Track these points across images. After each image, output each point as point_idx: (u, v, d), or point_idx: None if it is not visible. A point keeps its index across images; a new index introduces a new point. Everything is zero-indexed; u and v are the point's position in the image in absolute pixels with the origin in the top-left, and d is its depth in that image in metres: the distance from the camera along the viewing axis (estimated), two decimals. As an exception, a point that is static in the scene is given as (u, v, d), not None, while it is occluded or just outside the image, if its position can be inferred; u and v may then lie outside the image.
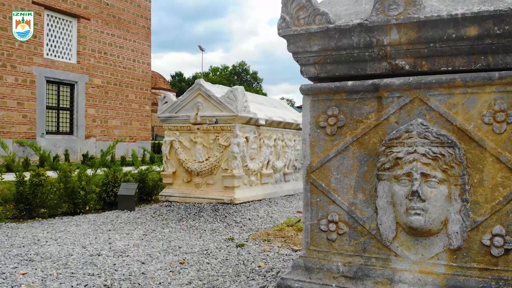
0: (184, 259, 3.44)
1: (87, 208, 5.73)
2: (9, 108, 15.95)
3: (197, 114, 5.45)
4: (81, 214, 5.59)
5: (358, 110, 2.01)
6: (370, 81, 1.97)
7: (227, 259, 3.45)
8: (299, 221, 4.69)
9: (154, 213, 5.38)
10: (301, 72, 2.12)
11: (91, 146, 18.73)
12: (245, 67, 65.60)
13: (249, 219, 4.97)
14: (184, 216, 5.14)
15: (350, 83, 1.99)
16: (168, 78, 58.52)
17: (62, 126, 18.02)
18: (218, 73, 62.18)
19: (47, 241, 4.05)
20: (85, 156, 15.59)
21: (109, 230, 4.57)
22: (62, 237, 4.22)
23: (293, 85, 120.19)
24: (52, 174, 6.03)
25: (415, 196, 1.78)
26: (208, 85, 5.48)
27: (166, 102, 5.72)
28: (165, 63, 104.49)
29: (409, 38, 1.87)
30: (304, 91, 2.08)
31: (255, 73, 64.51)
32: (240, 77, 62.27)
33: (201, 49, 48.41)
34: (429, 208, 1.79)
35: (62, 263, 3.34)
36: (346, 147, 2.01)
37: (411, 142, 1.82)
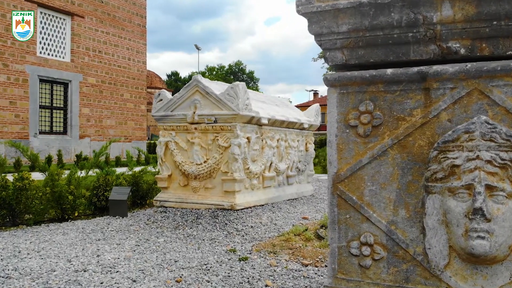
0: (180, 276, 3.04)
1: (76, 214, 5.31)
2: (1, 108, 15.48)
3: (194, 112, 5.04)
4: (69, 220, 5.17)
5: (399, 105, 1.61)
6: (415, 69, 1.58)
7: (229, 276, 3.05)
8: (306, 229, 4.29)
9: (148, 219, 4.97)
10: (325, 59, 1.72)
11: (86, 146, 18.28)
12: (242, 66, 65.23)
13: (252, 226, 4.56)
14: (180, 223, 4.73)
15: (389, 71, 1.60)
16: (164, 77, 57.99)
17: (56, 126, 17.56)
18: (214, 72, 61.72)
19: (28, 253, 3.63)
20: (78, 156, 15.13)
21: (99, 240, 4.16)
22: (46, 248, 3.80)
23: (289, 85, 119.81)
24: (41, 177, 5.60)
25: (478, 214, 1.39)
26: (206, 81, 5.06)
27: (161, 99, 5.30)
28: (161, 63, 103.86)
29: (466, 15, 1.47)
30: (330, 81, 1.68)
31: (251, 72, 64.10)
32: (237, 76, 61.85)
33: (197, 48, 47.99)
34: (496, 229, 1.40)
35: (42, 281, 2.93)
36: (384, 151, 1.61)
37: (473, 146, 1.43)
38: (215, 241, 4.08)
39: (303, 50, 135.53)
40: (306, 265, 3.24)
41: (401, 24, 1.56)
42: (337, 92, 1.67)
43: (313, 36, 1.72)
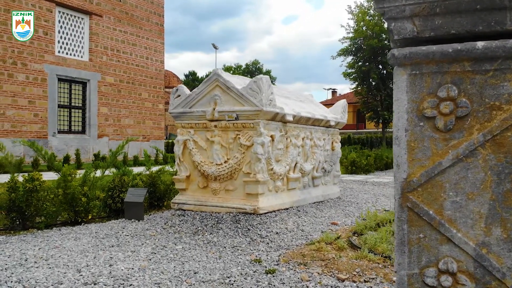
0: (201, 292, 2.69)
1: (90, 217, 5.03)
2: (20, 107, 15.51)
3: (214, 109, 4.69)
4: (82, 223, 4.90)
5: (493, 89, 1.21)
6: (517, 40, 1.17)
7: (256, 293, 2.68)
8: (338, 237, 3.89)
9: (165, 223, 4.64)
10: (390, 31, 1.33)
11: (104, 146, 18.23)
12: (259, 65, 64.84)
13: (277, 233, 4.18)
14: (199, 228, 4.38)
15: (480, 44, 1.20)
16: (182, 77, 58.14)
17: (74, 125, 17.55)
18: (231, 72, 61.49)
19: (36, 262, 3.34)
20: (96, 156, 15.04)
21: (112, 246, 3.85)
22: (55, 256, 3.51)
23: (307, 83, 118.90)
24: (57, 177, 5.34)
25: None
26: (227, 75, 4.70)
27: (179, 95, 4.96)
28: (179, 63, 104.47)
29: None
30: (398, 59, 1.29)
31: (268, 72, 63.61)
32: (254, 76, 61.45)
33: (215, 47, 47.87)
34: None
35: (47, 296, 2.63)
36: (472, 150, 1.22)
37: None
38: (238, 249, 3.72)
39: (321, 48, 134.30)
40: (343, 280, 2.85)
41: (497, -20, 1.16)
42: (408, 74, 1.28)
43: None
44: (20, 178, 4.65)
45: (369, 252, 3.39)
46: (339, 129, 6.41)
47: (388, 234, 3.83)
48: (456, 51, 1.23)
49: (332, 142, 6.19)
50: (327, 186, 6.13)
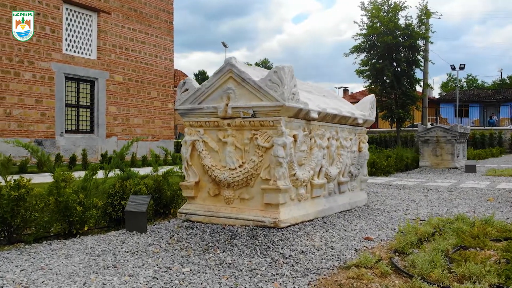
0: None
1: (86, 228, 4.43)
2: (26, 106, 15.09)
3: (227, 104, 4.04)
4: (77, 236, 4.30)
5: None
6: None
7: None
8: (380, 260, 3.20)
9: (170, 237, 4.01)
10: None
11: (112, 145, 17.75)
12: (268, 64, 64.19)
13: (303, 251, 3.51)
14: (210, 244, 3.73)
15: None
16: (192, 77, 57.80)
17: (82, 125, 17.10)
18: (242, 71, 60.83)
19: (12, 290, 2.73)
20: (104, 156, 14.53)
21: (107, 268, 3.22)
22: (37, 282, 2.90)
23: (318, 82, 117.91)
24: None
25: None
26: (242, 66, 4.04)
27: (187, 89, 4.32)
28: (190, 63, 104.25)
29: None
30: None
31: (279, 70, 62.75)
32: (264, 75, 60.95)
33: (225, 46, 47.39)
34: None
35: None
36: None
37: None
38: (257, 273, 3.07)
39: (331, 47, 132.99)
40: (398, 325, 2.17)
41: None
42: None
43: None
44: (25, 178, 4.04)
45: (422, 281, 2.71)
46: (367, 128, 5.71)
47: (440, 254, 3.14)
48: None
49: (359, 143, 5.49)
50: (354, 193, 5.44)
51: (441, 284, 2.69)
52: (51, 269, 3.18)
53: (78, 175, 5.18)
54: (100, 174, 5.18)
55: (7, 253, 3.63)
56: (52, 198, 4.19)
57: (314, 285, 2.79)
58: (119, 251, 3.68)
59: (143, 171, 6.04)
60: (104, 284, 2.87)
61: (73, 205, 4.23)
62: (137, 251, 3.67)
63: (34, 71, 15.47)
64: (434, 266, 2.92)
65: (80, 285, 2.84)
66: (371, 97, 5.61)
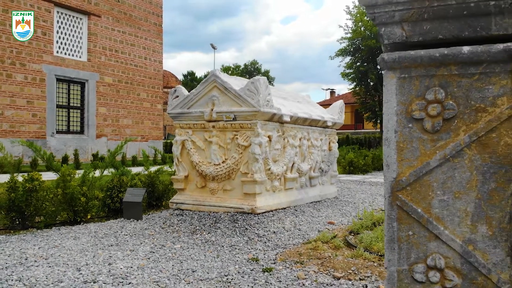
0: (199, 290, 2.74)
1: (89, 217, 5.08)
2: (18, 107, 15.53)
3: (212, 109, 4.74)
4: (81, 223, 4.94)
5: (478, 92, 1.26)
6: (501, 46, 1.22)
7: (253, 290, 2.73)
8: (334, 236, 3.94)
9: (163, 223, 4.69)
10: (380, 36, 1.38)
11: (102, 146, 18.25)
12: (257, 66, 64.92)
13: (274, 232, 4.23)
14: (198, 227, 4.43)
15: (466, 49, 1.25)
16: (181, 77, 58.15)
17: (73, 125, 17.57)
18: (229, 72, 61.52)
19: (36, 261, 3.38)
20: (95, 156, 15.07)
21: (111, 245, 3.89)
22: (55, 255, 3.55)
23: (305, 83, 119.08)
24: (56, 177, 5.38)
25: None
26: (225, 76, 4.76)
27: (177, 96, 5.01)
28: (178, 63, 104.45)
29: None
30: (387, 63, 1.34)
31: (267, 72, 63.67)
32: (252, 76, 61.62)
33: (213, 47, 47.91)
34: None
35: (47, 294, 2.67)
36: (458, 151, 1.27)
37: None
38: (236, 248, 3.77)
39: (319, 48, 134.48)
40: (338, 278, 2.90)
41: (482, -13, 1.22)
42: (397, 77, 1.33)
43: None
44: (20, 178, 4.69)
45: (364, 251, 3.45)
46: (336, 130, 6.46)
47: (384, 233, 3.88)
48: (443, 55, 1.28)
49: (329, 142, 6.24)
50: (324, 186, 6.19)
51: (379, 253, 3.43)
52: (64, 247, 3.84)
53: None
54: (95, 173, 5.80)
55: (23, 236, 4.27)
56: (60, 190, 4.83)
57: (280, 255, 3.51)
58: (119, 234, 4.34)
59: (134, 170, 6.69)
60: (110, 256, 3.54)
61: (78, 196, 4.88)
62: (135, 234, 4.34)
63: (26, 72, 15.90)
64: (376, 241, 3.66)
65: (90, 256, 3.51)
66: (340, 102, 6.37)
